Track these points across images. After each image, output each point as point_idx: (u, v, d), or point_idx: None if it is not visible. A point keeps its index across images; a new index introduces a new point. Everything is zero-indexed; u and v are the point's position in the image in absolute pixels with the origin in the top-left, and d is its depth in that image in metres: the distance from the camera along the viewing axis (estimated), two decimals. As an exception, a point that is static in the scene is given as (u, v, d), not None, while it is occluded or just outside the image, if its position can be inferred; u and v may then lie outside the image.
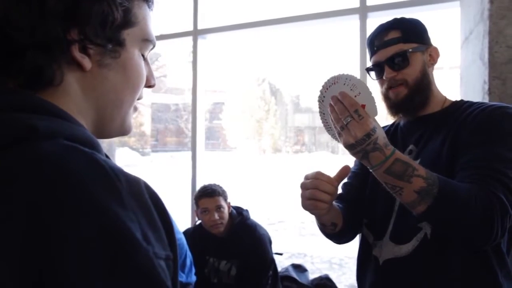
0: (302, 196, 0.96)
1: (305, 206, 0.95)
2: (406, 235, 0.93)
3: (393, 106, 1.02)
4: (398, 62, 0.98)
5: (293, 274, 2.20)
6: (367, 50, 1.07)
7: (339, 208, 1.07)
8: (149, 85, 0.52)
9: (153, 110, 28.97)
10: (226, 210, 2.02)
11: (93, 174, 0.35)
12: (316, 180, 0.93)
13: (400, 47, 0.98)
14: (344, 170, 0.96)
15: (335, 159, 21.43)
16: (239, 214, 2.08)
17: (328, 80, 0.91)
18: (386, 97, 1.03)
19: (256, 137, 29.13)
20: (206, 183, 2.14)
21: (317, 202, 0.92)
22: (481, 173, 0.83)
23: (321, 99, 0.94)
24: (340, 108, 0.85)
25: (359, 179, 1.12)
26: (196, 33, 2.73)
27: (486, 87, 1.40)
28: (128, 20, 0.46)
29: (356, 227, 1.09)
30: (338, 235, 1.08)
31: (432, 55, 1.02)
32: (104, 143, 3.39)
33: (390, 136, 1.07)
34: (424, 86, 0.99)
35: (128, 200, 0.35)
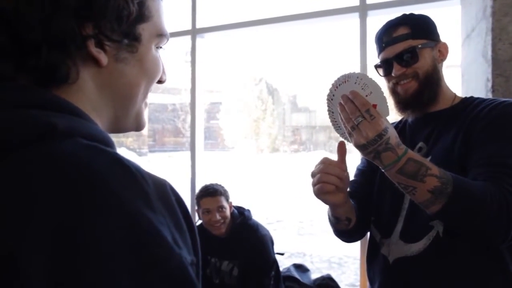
0: (312, 184, 0.94)
1: (316, 193, 0.94)
2: (417, 234, 0.92)
3: (401, 102, 1.00)
4: (407, 58, 0.97)
5: (295, 274, 2.19)
6: (375, 46, 1.05)
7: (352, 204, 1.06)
8: (160, 80, 0.51)
9: (150, 110, 28.91)
10: (227, 211, 2.00)
11: (119, 176, 0.33)
12: (322, 164, 0.92)
13: (409, 43, 0.97)
14: (341, 148, 0.94)
15: (333, 158, 21.37)
16: (241, 214, 2.07)
17: (338, 79, 0.89)
18: (394, 92, 1.01)
19: (254, 136, 29.14)
20: (207, 182, 2.12)
21: (325, 184, 0.91)
22: (495, 170, 0.81)
23: (330, 98, 0.92)
24: (351, 107, 0.83)
25: (365, 177, 1.11)
26: (194, 32, 2.71)
27: (490, 84, 1.39)
28: (143, 14, 0.45)
29: (366, 224, 1.08)
30: (350, 232, 1.06)
31: (442, 51, 1.01)
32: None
33: (398, 133, 1.04)
34: (434, 80, 0.98)
35: (156, 203, 0.33)
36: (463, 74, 1.76)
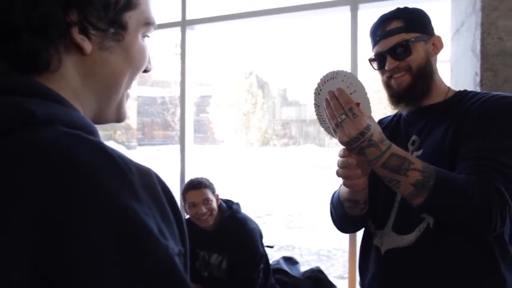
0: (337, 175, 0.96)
1: (344, 184, 0.97)
2: (409, 226, 0.93)
3: (395, 95, 1.01)
4: (400, 52, 0.97)
5: (285, 267, 2.20)
6: (369, 40, 1.06)
7: None
8: (145, 70, 0.49)
9: (139, 103, 28.61)
10: (214, 203, 2.00)
11: (103, 165, 0.32)
12: (345, 170, 0.93)
13: (402, 37, 0.97)
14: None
15: (322, 152, 21.59)
16: (229, 208, 2.07)
17: (327, 74, 0.92)
18: (388, 86, 1.02)
19: (244, 130, 29.10)
20: (193, 177, 2.12)
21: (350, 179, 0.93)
22: (481, 164, 0.83)
23: (318, 92, 0.94)
24: (336, 104, 0.87)
25: None
26: (184, 23, 2.67)
27: (478, 79, 1.41)
28: (130, 1, 0.43)
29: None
30: (362, 217, 1.06)
31: (436, 45, 1.01)
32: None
33: (393, 127, 1.07)
34: (427, 74, 0.98)
35: (142, 193, 0.32)
36: (452, 68, 1.78)
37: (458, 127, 0.90)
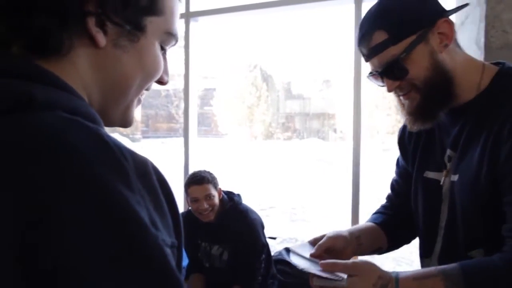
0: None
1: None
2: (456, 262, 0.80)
3: (410, 114, 0.84)
4: (395, 72, 0.79)
5: (287, 258, 2.21)
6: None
7: (380, 223, 1.01)
8: (161, 81, 0.49)
9: (143, 96, 28.53)
10: (216, 198, 2.00)
11: (97, 151, 0.32)
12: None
13: (391, 53, 0.78)
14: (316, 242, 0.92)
15: (326, 146, 21.56)
16: (230, 200, 2.08)
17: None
18: (402, 104, 0.86)
19: (247, 123, 29.08)
20: (197, 169, 2.12)
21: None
22: None
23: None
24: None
25: (404, 178, 1.02)
26: (188, 15, 2.67)
27: (481, 72, 1.40)
28: (155, 7, 0.43)
29: (410, 227, 0.99)
30: (390, 250, 1.02)
31: (443, 33, 0.78)
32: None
33: (428, 133, 0.91)
34: (440, 82, 0.78)
35: (135, 182, 0.32)
36: (456, 61, 1.77)
37: (494, 150, 0.74)
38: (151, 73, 0.46)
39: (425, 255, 0.92)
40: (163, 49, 0.47)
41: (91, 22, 0.39)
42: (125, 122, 0.48)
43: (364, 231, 1.00)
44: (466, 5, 0.85)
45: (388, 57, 0.78)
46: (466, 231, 0.81)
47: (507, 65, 0.82)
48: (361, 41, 0.82)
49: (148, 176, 0.34)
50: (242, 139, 26.34)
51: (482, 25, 1.40)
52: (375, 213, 1.08)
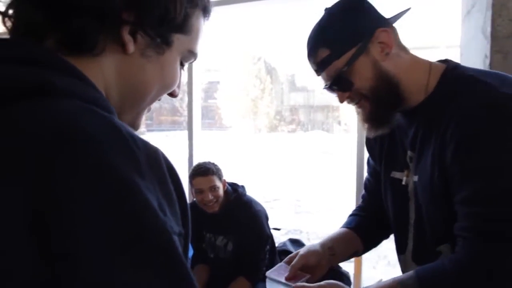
0: None
1: None
2: (427, 258, 0.83)
3: (364, 121, 0.87)
4: (341, 85, 0.83)
5: (291, 248, 2.23)
6: None
7: (353, 227, 1.06)
8: (172, 93, 0.52)
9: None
10: (220, 189, 2.01)
11: (110, 138, 0.33)
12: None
13: (336, 67, 0.81)
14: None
15: (330, 138, 21.51)
16: (235, 191, 2.09)
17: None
18: (357, 113, 0.89)
19: (252, 116, 29.04)
20: (201, 161, 2.13)
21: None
22: (474, 233, 0.71)
23: None
24: None
25: (374, 178, 1.06)
26: (191, 8, 2.66)
27: (487, 61, 1.38)
28: (184, 26, 0.47)
29: (385, 225, 1.02)
30: (367, 251, 1.08)
31: (383, 42, 0.80)
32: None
33: (389, 136, 0.94)
34: (386, 89, 0.81)
35: (146, 170, 0.33)
36: (462, 52, 1.75)
37: (441, 152, 0.76)
38: (169, 84, 0.49)
39: (400, 251, 0.95)
40: (181, 64, 0.51)
41: (126, 30, 0.42)
42: (134, 126, 0.50)
43: (337, 240, 1.04)
44: (408, 9, 0.87)
45: (333, 71, 0.82)
46: (432, 228, 0.84)
47: (452, 63, 0.83)
48: (309, 58, 0.86)
49: (158, 165, 0.35)
50: (246, 132, 26.34)
51: (489, 13, 1.38)
52: (350, 215, 1.12)
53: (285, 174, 10.21)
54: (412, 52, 0.87)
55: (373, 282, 0.90)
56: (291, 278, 0.94)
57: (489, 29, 1.38)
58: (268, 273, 0.98)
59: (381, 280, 0.85)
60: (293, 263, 0.97)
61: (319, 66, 0.84)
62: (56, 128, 0.31)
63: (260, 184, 8.24)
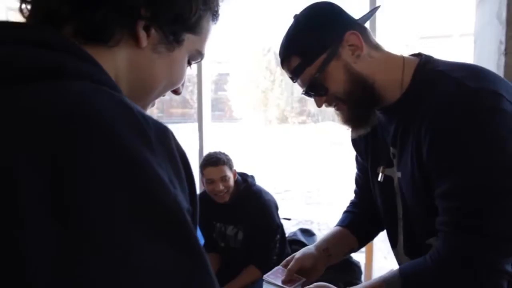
0: None
1: None
2: (418, 251, 0.84)
3: (344, 123, 0.88)
4: (316, 90, 0.84)
5: (301, 238, 2.24)
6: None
7: (347, 225, 1.08)
8: (176, 91, 0.54)
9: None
10: (231, 180, 2.02)
11: (121, 116, 0.33)
12: None
13: (308, 74, 0.82)
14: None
15: (340, 129, 21.30)
16: (244, 181, 2.10)
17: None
18: (337, 115, 0.90)
19: (262, 107, 28.99)
20: (211, 151, 2.13)
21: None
22: (453, 224, 0.72)
23: None
24: None
25: (363, 173, 1.07)
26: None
27: (503, 47, 1.35)
28: (196, 27, 0.49)
29: (377, 220, 1.03)
30: (362, 246, 1.11)
31: (353, 44, 0.80)
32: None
33: (372, 133, 0.95)
34: (360, 91, 0.81)
35: (157, 147, 0.34)
36: (476, 39, 1.71)
37: (418, 148, 0.77)
38: (175, 81, 0.51)
39: (392, 245, 0.97)
40: (189, 63, 0.52)
41: (141, 25, 0.44)
42: None
43: (332, 241, 1.06)
44: (377, 8, 0.86)
45: (307, 78, 0.83)
46: (419, 222, 0.85)
47: (424, 57, 0.83)
48: (282, 66, 0.88)
49: (168, 142, 0.36)
50: (256, 123, 26.33)
51: (504, -2, 1.34)
52: (344, 212, 1.14)
53: (296, 166, 10.21)
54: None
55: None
56: (287, 281, 0.97)
57: (504, 14, 1.34)
58: (265, 276, 1.01)
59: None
60: (289, 266, 0.99)
61: (293, 74, 0.85)
62: (68, 108, 0.32)
63: (271, 175, 8.25)
